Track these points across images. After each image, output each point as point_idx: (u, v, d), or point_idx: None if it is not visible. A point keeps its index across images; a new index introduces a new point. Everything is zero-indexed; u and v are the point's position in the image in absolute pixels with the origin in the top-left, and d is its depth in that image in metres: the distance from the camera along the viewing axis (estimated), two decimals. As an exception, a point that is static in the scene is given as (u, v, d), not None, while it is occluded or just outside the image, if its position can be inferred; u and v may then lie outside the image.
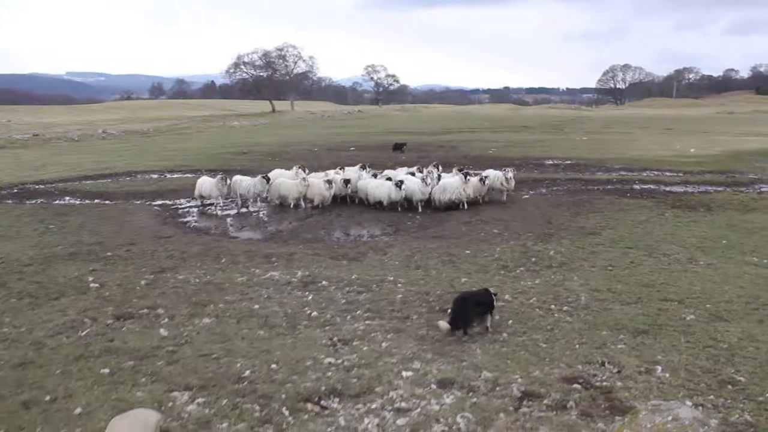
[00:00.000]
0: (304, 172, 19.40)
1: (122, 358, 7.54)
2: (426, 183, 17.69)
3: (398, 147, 33.13)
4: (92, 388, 6.74)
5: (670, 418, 4.99)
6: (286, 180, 18.99)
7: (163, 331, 8.47)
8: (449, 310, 8.44)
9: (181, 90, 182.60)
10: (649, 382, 6.66)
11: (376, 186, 18.20)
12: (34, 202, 19.90)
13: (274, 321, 8.82)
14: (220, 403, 6.38)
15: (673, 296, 9.60)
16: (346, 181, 18.73)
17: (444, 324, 8.12)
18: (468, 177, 17.88)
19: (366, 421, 6.01)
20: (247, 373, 7.07)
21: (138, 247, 13.35)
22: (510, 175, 18.62)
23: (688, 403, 6.11)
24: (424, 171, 19.40)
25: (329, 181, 18.24)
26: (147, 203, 19.35)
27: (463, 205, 17.62)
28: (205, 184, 18.77)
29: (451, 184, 17.78)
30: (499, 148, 33.99)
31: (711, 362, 7.20)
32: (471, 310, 8.15)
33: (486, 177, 18.30)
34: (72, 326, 8.66)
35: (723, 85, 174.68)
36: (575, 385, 6.62)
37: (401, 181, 17.51)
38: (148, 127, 63.19)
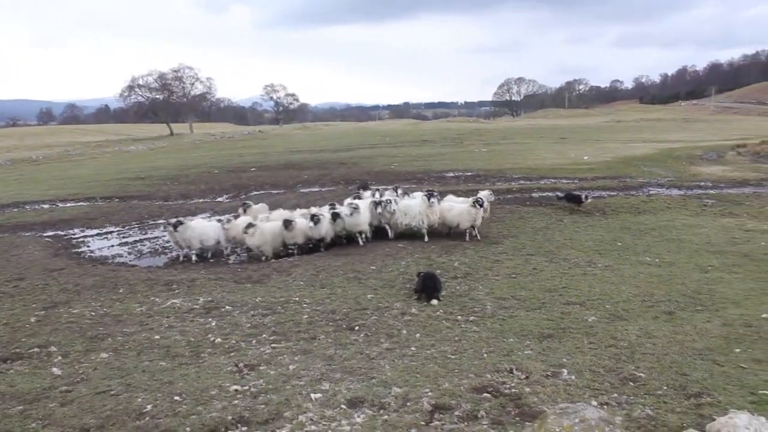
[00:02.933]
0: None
1: (9, 404, 7.00)
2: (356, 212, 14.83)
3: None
4: (-25, 439, 6.24)
5: (577, 419, 5.06)
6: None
7: (56, 370, 7.96)
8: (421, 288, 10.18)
9: (72, 115, 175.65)
10: (556, 386, 6.76)
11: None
12: None
13: (177, 350, 8.45)
14: (118, 442, 6.03)
15: (575, 299, 9.86)
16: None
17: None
18: (432, 199, 14.89)
19: (276, 448, 5.81)
20: (149, 407, 6.71)
21: (27, 282, 12.58)
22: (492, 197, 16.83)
23: (594, 402, 6.23)
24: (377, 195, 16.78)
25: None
26: (37, 235, 18.37)
27: (424, 237, 15.01)
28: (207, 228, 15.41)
29: (412, 207, 15.25)
30: (401, 162, 34.28)
31: (613, 361, 7.40)
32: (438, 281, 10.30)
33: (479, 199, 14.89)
34: (-48, 372, 8.02)
35: (610, 95, 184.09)
36: (485, 394, 6.64)
37: (315, 216, 14.68)
38: (38, 154, 60.41)
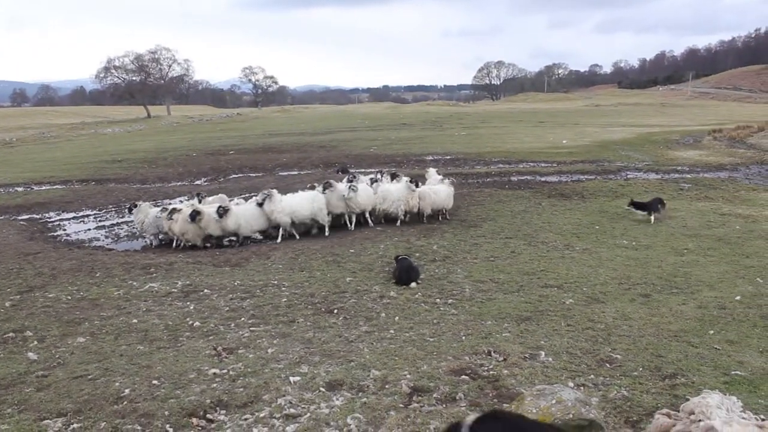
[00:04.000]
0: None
1: (-16, 389, 6.95)
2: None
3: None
4: (-50, 424, 6.17)
5: (554, 401, 5.11)
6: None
7: (31, 355, 7.88)
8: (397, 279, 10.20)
9: (47, 96, 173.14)
10: (533, 368, 6.81)
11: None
12: None
13: (155, 334, 8.41)
14: (98, 426, 5.98)
15: (553, 282, 9.94)
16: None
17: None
18: (417, 184, 15.10)
19: (254, 431, 5.80)
20: (127, 391, 6.67)
21: (1, 266, 12.42)
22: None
23: (571, 384, 6.29)
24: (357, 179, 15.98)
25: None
26: (11, 218, 18.13)
27: (402, 220, 15.17)
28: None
29: (392, 192, 15.15)
30: (380, 146, 34.27)
31: (590, 343, 7.48)
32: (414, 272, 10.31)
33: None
34: (-74, 357, 7.92)
35: (589, 79, 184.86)
36: (463, 377, 6.68)
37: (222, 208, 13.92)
38: (11, 136, 59.56)
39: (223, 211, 13.70)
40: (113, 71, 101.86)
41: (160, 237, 15.14)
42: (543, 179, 21.43)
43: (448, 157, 28.41)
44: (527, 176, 22.09)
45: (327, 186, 14.45)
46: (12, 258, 13.10)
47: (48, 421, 6.16)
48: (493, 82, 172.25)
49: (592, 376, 6.59)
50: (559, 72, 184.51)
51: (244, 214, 14.24)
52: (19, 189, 24.28)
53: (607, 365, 6.85)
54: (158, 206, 15.93)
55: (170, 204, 16.59)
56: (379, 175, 17.36)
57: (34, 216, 18.67)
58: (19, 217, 18.30)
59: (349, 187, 14.51)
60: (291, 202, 14.22)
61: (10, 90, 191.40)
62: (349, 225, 14.87)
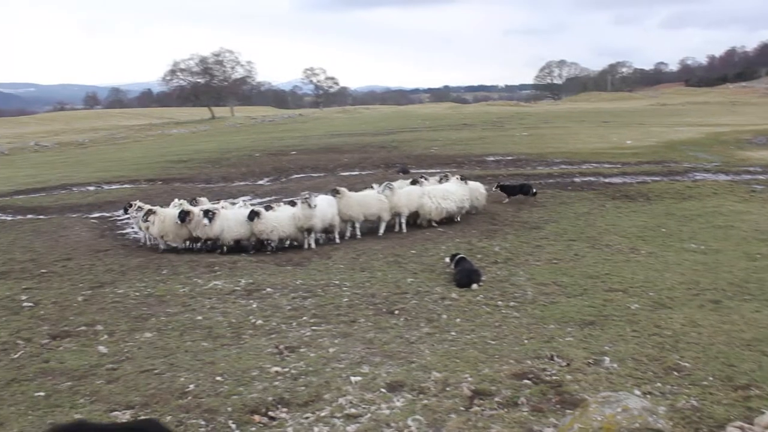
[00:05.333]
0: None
1: (59, 380, 7.20)
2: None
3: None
4: (26, 414, 6.40)
5: (619, 408, 4.99)
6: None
7: (102, 348, 8.14)
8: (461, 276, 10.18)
9: (117, 99, 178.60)
10: (597, 374, 6.68)
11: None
12: (-38, 220, 19.08)
13: (219, 331, 8.57)
14: (163, 419, 6.13)
15: (618, 286, 9.72)
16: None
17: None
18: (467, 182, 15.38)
19: (315, 429, 5.86)
20: (192, 386, 6.83)
21: (74, 262, 12.87)
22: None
23: (637, 392, 6.14)
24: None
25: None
26: (83, 216, 18.74)
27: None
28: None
29: (452, 191, 15.14)
30: (441, 146, 34.14)
31: (656, 350, 7.28)
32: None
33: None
34: (3, 349, 8.23)
35: (654, 78, 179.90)
36: (525, 381, 6.60)
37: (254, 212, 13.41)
38: (84, 138, 61.65)
39: (211, 216, 13.14)
40: (179, 74, 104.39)
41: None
42: (607, 180, 20.99)
43: (510, 158, 28.12)
44: (590, 177, 21.68)
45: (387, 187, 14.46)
46: (84, 255, 13.54)
47: (117, 412, 6.36)
48: (554, 82, 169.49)
49: (659, 384, 6.42)
50: (623, 70, 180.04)
51: (231, 219, 13.59)
52: (91, 188, 25.09)
53: (675, 373, 6.66)
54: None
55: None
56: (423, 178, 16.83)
57: (105, 214, 19.25)
58: (91, 216, 18.89)
59: (386, 185, 14.55)
60: (321, 206, 13.72)
61: (83, 93, 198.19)
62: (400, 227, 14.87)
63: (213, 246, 13.93)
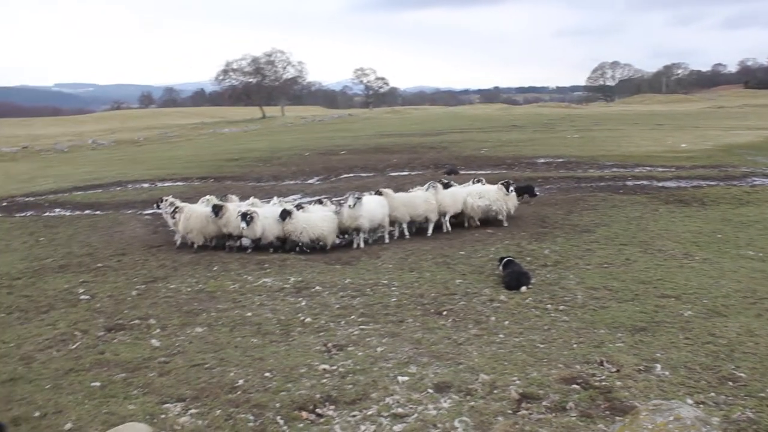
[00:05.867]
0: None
1: (113, 371, 7.41)
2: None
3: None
4: (83, 403, 6.60)
5: (671, 417, 4.89)
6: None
7: (155, 342, 8.34)
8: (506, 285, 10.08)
9: (170, 98, 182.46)
10: (648, 381, 6.56)
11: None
12: (23, 214, 19.71)
13: (268, 328, 8.69)
14: (213, 413, 6.26)
15: (670, 292, 9.52)
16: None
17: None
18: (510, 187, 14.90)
19: (362, 428, 5.90)
20: (241, 382, 6.95)
21: (129, 257, 13.20)
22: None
23: (689, 401, 6.02)
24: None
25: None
26: (138, 213, 19.18)
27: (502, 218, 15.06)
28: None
29: (489, 191, 15.05)
30: (491, 147, 33.92)
31: (710, 359, 7.11)
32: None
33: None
34: (62, 339, 8.52)
35: (711, 79, 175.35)
36: (574, 386, 6.53)
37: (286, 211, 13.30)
38: (139, 136, 63.04)
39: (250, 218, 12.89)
40: (231, 74, 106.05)
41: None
42: (660, 184, 20.55)
43: (560, 160, 27.77)
44: (643, 181, 21.27)
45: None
46: (138, 250, 13.87)
47: (168, 404, 6.51)
48: (607, 83, 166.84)
49: (712, 393, 6.27)
50: (679, 72, 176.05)
51: (269, 217, 13.41)
52: (145, 185, 25.65)
53: (730, 383, 6.49)
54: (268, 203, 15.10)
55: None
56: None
57: (158, 211, 19.63)
58: (145, 212, 19.31)
59: (430, 185, 14.55)
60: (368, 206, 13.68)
61: (139, 93, 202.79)
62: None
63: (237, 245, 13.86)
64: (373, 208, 13.63)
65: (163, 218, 14.95)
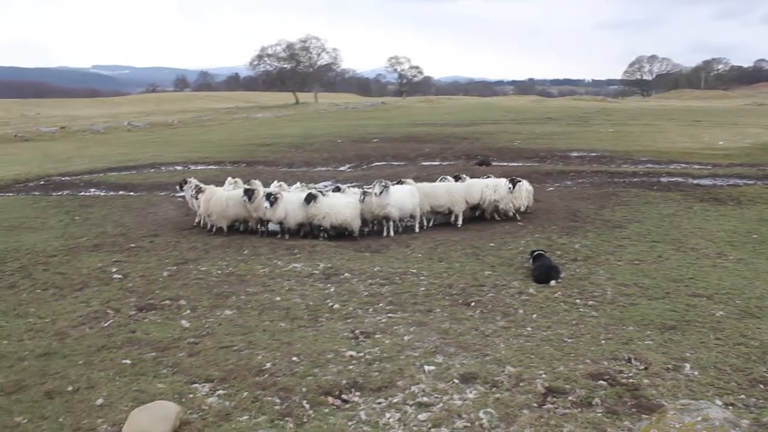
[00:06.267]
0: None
1: (144, 349, 7.54)
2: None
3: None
4: (114, 379, 6.74)
5: (699, 418, 4.84)
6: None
7: (184, 323, 8.46)
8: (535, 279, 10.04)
9: (205, 82, 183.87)
10: (677, 380, 6.50)
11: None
12: (60, 193, 20.09)
13: (296, 313, 8.77)
14: (240, 395, 6.34)
15: (702, 292, 9.39)
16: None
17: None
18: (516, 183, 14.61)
19: (387, 415, 5.93)
20: (268, 365, 7.02)
21: (161, 239, 13.39)
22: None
23: (718, 402, 5.95)
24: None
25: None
26: (171, 195, 19.39)
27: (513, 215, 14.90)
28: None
29: (501, 185, 14.78)
30: (524, 139, 33.66)
31: (742, 360, 7.01)
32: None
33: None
34: (95, 317, 8.69)
35: (753, 75, 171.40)
36: (601, 382, 6.49)
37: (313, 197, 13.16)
38: (173, 119, 63.64)
39: (273, 199, 12.95)
40: (266, 59, 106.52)
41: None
42: (695, 182, 20.23)
43: (594, 154, 27.46)
44: (678, 178, 20.95)
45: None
46: (170, 232, 14.05)
47: (197, 384, 6.61)
48: (644, 78, 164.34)
49: (743, 396, 6.19)
50: (719, 68, 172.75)
51: (294, 202, 13.38)
52: (179, 167, 25.93)
53: (761, 386, 6.39)
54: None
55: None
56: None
57: (180, 193, 19.85)
58: (177, 194, 19.52)
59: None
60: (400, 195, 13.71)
61: (174, 76, 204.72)
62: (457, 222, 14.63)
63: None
64: (402, 196, 13.63)
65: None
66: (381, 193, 13.12)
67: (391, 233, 13.67)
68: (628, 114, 59.56)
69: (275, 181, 15.29)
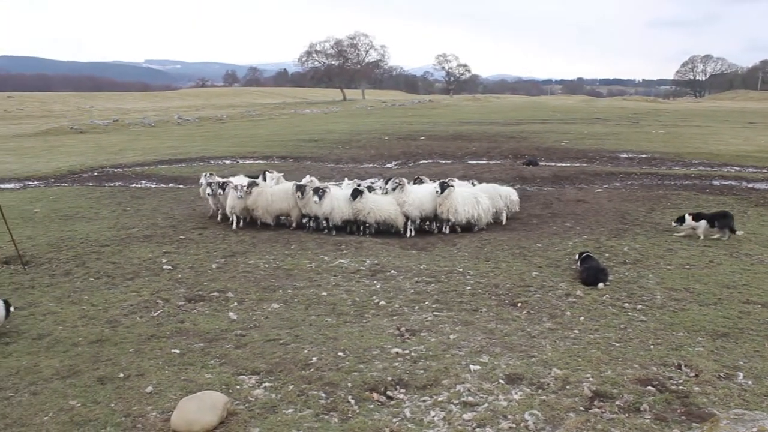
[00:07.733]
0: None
1: (192, 340, 7.67)
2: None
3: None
4: (163, 368, 6.87)
5: (755, 429, 4.72)
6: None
7: (232, 315, 8.58)
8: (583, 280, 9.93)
9: (254, 78, 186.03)
10: (729, 389, 6.34)
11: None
12: (112, 185, 20.54)
13: (342, 308, 8.81)
14: (286, 388, 6.40)
15: (756, 299, 9.15)
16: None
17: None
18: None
19: (432, 413, 5.92)
20: (314, 359, 7.07)
21: (209, 231, 13.59)
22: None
23: (773, 412, 5.79)
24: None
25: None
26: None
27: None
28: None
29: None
30: (572, 140, 33.25)
31: (798, 370, 6.81)
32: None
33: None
34: (145, 306, 8.87)
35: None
36: (649, 387, 6.37)
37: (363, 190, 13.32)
38: (222, 113, 64.52)
39: (322, 193, 13.09)
40: (314, 55, 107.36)
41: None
42: (750, 186, 19.73)
43: (644, 156, 27.00)
44: (731, 181, 20.47)
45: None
46: (218, 225, 14.31)
47: (243, 376, 6.68)
48: (697, 78, 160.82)
49: (798, 407, 6.02)
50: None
51: (341, 198, 13.43)
52: (227, 161, 26.33)
53: (818, 397, 6.21)
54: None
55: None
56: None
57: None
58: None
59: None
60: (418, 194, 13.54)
61: (223, 71, 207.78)
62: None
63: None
64: (422, 196, 13.53)
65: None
66: (395, 189, 13.08)
67: (412, 233, 13.59)
68: (679, 115, 58.38)
69: (307, 176, 15.30)
